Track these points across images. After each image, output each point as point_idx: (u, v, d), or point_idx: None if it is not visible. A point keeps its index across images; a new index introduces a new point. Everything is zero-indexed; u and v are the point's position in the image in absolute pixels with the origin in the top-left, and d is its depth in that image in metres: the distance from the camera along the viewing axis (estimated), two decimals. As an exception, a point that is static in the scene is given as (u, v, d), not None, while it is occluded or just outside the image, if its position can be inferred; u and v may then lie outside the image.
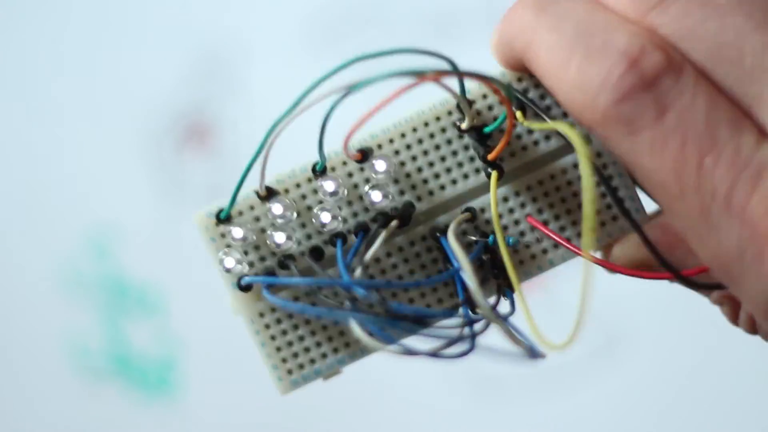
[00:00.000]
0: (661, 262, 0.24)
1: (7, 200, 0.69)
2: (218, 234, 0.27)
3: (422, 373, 0.66)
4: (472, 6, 0.68)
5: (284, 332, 0.28)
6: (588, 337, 0.67)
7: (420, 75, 0.23)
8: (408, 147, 0.28)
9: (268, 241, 0.27)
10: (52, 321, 0.68)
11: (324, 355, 0.28)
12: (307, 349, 0.28)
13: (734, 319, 0.28)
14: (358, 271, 0.25)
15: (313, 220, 0.27)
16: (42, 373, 0.68)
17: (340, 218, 0.27)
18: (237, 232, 0.27)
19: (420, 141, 0.28)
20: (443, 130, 0.28)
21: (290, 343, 0.28)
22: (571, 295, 0.66)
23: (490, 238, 0.27)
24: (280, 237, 0.27)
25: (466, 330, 0.25)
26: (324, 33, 0.69)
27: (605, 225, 0.28)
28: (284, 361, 0.28)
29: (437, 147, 0.28)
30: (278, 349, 0.28)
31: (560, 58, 0.23)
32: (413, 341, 0.25)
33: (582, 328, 0.23)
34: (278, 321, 0.28)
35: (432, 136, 0.28)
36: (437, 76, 0.23)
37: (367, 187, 0.27)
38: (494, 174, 0.27)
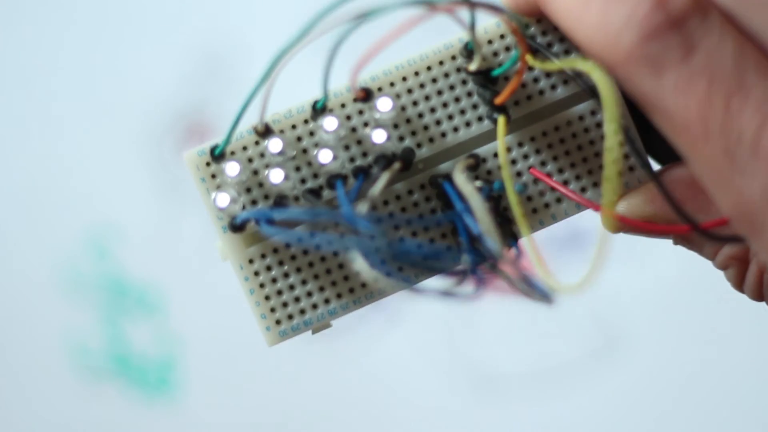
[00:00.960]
0: (679, 213, 0.23)
1: (7, 200, 0.69)
2: (209, 174, 0.26)
3: (422, 373, 0.66)
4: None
5: (274, 280, 0.27)
6: (588, 337, 0.67)
7: (432, 5, 0.22)
8: (409, 91, 0.27)
9: (262, 182, 0.26)
10: (52, 321, 0.68)
11: (314, 306, 0.27)
12: (297, 299, 0.27)
13: (739, 283, 0.27)
14: (363, 207, 0.24)
15: (312, 161, 0.26)
16: (42, 373, 0.68)
17: (340, 159, 0.26)
18: (232, 168, 0.26)
19: (422, 85, 0.27)
20: (446, 75, 0.27)
21: (280, 292, 0.27)
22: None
23: (496, 184, 0.26)
24: (277, 175, 0.26)
25: (473, 272, 0.24)
26: (324, 33, 0.69)
27: (621, 175, 0.27)
28: (273, 310, 0.27)
29: (440, 92, 0.27)
30: (267, 297, 0.27)
31: None
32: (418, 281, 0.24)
33: (595, 275, 0.22)
34: (268, 268, 0.27)
35: (435, 80, 0.27)
36: (450, 6, 0.22)
37: (368, 129, 0.26)
38: (502, 118, 0.26)
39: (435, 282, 0.24)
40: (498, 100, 0.26)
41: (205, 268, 0.67)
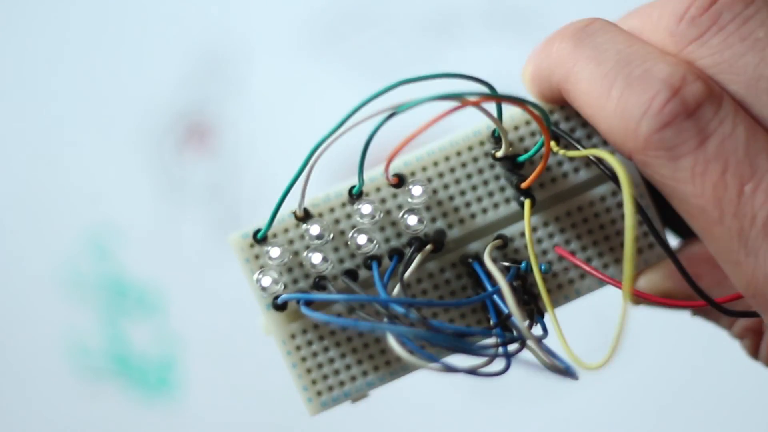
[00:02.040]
0: (695, 290, 0.25)
1: (8, 200, 0.69)
2: (253, 255, 0.28)
3: (422, 373, 0.66)
4: (473, 6, 0.68)
5: (315, 354, 0.29)
6: (588, 337, 0.67)
7: (462, 98, 0.23)
8: (440, 175, 0.28)
9: (303, 263, 0.28)
10: (52, 321, 0.68)
11: (353, 378, 0.29)
12: (336, 372, 0.29)
13: (755, 352, 0.29)
14: (397, 289, 0.26)
15: (349, 243, 0.28)
16: (42, 373, 0.68)
17: (375, 242, 0.28)
18: (274, 251, 0.27)
19: (452, 170, 0.28)
20: (475, 160, 0.28)
21: (320, 365, 0.29)
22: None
23: (523, 264, 0.28)
24: (316, 258, 0.27)
25: (501, 349, 0.26)
26: (324, 33, 0.69)
27: (641, 253, 0.29)
28: (314, 382, 0.29)
29: (469, 176, 0.28)
30: (309, 370, 0.29)
31: (601, 87, 0.24)
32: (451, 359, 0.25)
33: (617, 353, 0.24)
34: (309, 343, 0.29)
35: (464, 165, 0.28)
36: (479, 100, 0.23)
37: (402, 212, 0.28)
38: (528, 201, 0.27)
39: (466, 360, 0.25)
40: (524, 185, 0.27)
41: (205, 268, 0.67)
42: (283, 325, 0.28)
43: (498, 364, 0.26)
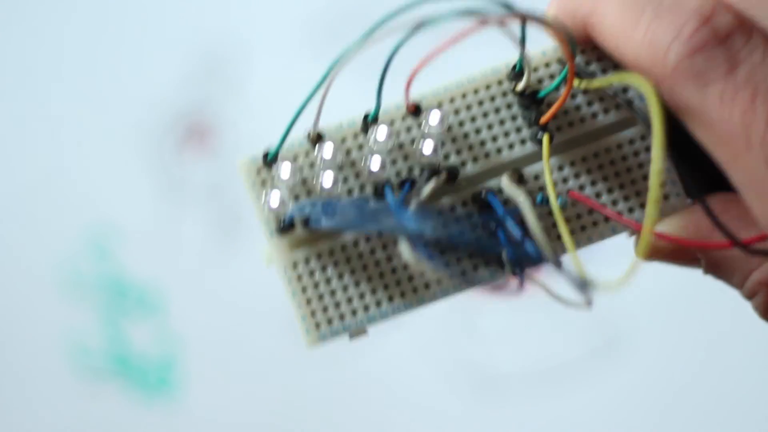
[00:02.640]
0: (720, 229, 0.24)
1: (7, 200, 0.69)
2: (260, 180, 0.27)
3: (423, 374, 0.66)
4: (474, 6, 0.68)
5: (316, 285, 0.28)
6: (588, 337, 0.67)
7: (484, 16, 0.23)
8: (456, 112, 0.28)
9: (311, 190, 0.27)
10: (52, 321, 0.68)
11: (354, 312, 0.28)
12: (338, 304, 0.28)
13: (767, 310, 0.28)
14: (414, 205, 0.25)
15: (359, 172, 0.27)
16: (42, 373, 0.68)
17: (388, 168, 0.27)
18: (285, 170, 0.27)
19: (468, 107, 0.28)
20: (492, 99, 0.28)
21: (321, 297, 0.28)
22: (569, 295, 0.66)
23: (539, 196, 0.27)
24: (328, 179, 0.27)
25: (517, 269, 0.25)
26: (324, 33, 0.69)
27: (667, 198, 0.28)
28: (314, 313, 0.28)
29: (485, 114, 0.28)
30: (309, 301, 0.28)
31: (629, 18, 0.24)
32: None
33: (634, 274, 0.23)
34: (311, 273, 0.28)
35: (481, 103, 0.28)
36: (502, 18, 0.23)
37: (415, 144, 0.27)
38: (547, 135, 0.27)
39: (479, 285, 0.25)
40: (544, 119, 0.27)
41: (205, 268, 0.67)
42: (286, 253, 0.28)
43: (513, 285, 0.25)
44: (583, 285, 0.24)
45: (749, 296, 0.28)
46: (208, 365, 0.67)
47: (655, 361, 0.65)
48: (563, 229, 0.27)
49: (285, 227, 0.27)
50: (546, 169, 0.27)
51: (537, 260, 0.25)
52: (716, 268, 0.28)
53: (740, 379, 0.64)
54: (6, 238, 0.69)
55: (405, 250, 0.23)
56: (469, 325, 0.66)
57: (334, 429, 0.67)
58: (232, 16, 0.69)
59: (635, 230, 0.28)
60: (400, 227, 0.24)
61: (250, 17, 0.69)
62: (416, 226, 0.24)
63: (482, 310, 0.67)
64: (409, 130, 0.28)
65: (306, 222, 0.27)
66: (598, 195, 0.28)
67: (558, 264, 0.25)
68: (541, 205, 0.27)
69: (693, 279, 0.66)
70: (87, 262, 0.68)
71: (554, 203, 0.27)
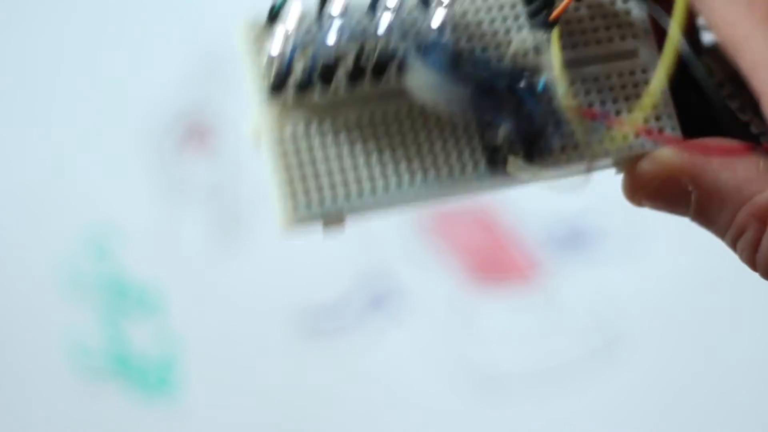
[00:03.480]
0: (735, 124, 0.23)
1: (7, 200, 0.69)
2: (260, 46, 0.26)
3: (422, 374, 0.66)
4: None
5: (300, 164, 0.25)
6: (588, 337, 0.67)
7: None
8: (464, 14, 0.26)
9: (314, 49, 0.25)
10: (52, 321, 0.68)
11: (334, 198, 0.25)
12: (320, 188, 0.25)
13: (754, 249, 0.26)
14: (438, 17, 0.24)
15: (372, 23, 0.25)
16: (42, 373, 0.68)
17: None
18: (292, 17, 0.25)
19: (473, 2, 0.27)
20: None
21: (304, 177, 0.25)
22: (569, 295, 0.66)
23: (541, 83, 0.26)
24: (332, 36, 0.25)
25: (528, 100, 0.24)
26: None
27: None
28: (294, 194, 0.25)
29: (489, 9, 0.27)
30: (291, 180, 0.25)
31: None
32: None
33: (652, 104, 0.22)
34: (297, 151, 0.25)
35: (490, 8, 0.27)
36: None
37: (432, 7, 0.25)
38: (557, 29, 0.26)
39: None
40: (553, 16, 0.26)
41: (205, 268, 0.67)
42: (274, 125, 0.25)
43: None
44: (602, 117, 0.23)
45: (736, 238, 0.27)
46: (208, 365, 0.67)
47: (655, 361, 0.65)
48: (566, 95, 0.25)
49: (284, 75, 0.25)
50: (556, 60, 0.26)
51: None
52: (707, 202, 0.27)
53: (740, 379, 0.64)
54: (6, 238, 0.69)
55: (417, 69, 0.22)
56: (469, 325, 0.66)
57: (334, 429, 0.67)
58: (233, 16, 0.69)
59: (655, 139, 0.26)
60: (412, 39, 0.22)
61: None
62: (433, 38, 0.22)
63: (482, 310, 0.67)
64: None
65: (309, 71, 0.25)
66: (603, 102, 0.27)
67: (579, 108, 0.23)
68: (543, 91, 0.26)
69: (693, 279, 0.66)
70: (87, 262, 0.68)
71: (563, 88, 0.25)
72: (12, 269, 0.68)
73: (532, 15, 0.27)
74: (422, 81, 0.22)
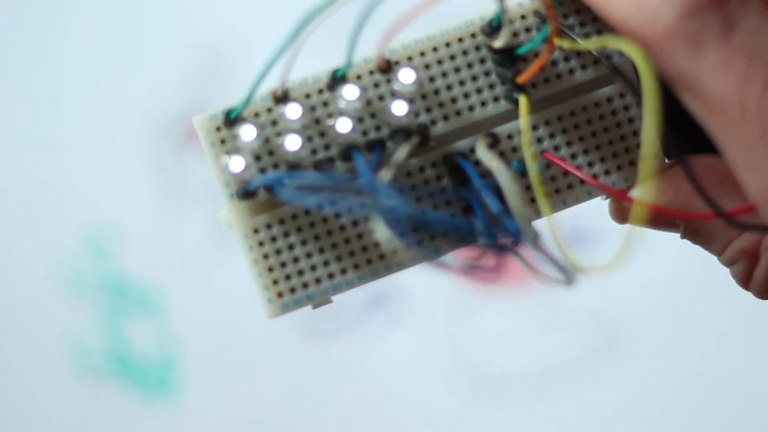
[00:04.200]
0: (705, 198, 0.22)
1: (7, 200, 0.69)
2: (219, 139, 0.26)
3: (422, 374, 0.66)
4: (475, 7, 0.68)
5: (278, 252, 0.26)
6: (588, 337, 0.67)
7: None
8: (427, 66, 0.26)
9: (273, 150, 0.25)
10: (52, 321, 0.68)
11: (318, 280, 0.26)
12: (300, 272, 0.26)
13: (746, 279, 0.27)
14: (387, 174, 0.24)
15: (325, 131, 0.25)
16: (42, 373, 0.68)
17: (357, 129, 0.25)
18: (248, 132, 0.25)
19: (440, 61, 0.26)
20: (465, 53, 0.26)
21: (284, 264, 0.26)
22: (569, 295, 0.66)
23: (514, 164, 0.26)
24: (293, 142, 0.25)
25: (493, 245, 0.23)
26: (324, 33, 0.69)
27: (634, 165, 0.26)
28: (275, 282, 0.26)
29: (457, 69, 0.26)
30: (270, 269, 0.26)
31: None
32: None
33: (627, 256, 0.22)
34: (273, 239, 0.26)
35: (453, 57, 0.26)
36: None
37: (385, 102, 0.26)
38: (524, 96, 0.25)
39: (453, 258, 0.23)
40: (521, 79, 0.26)
41: (205, 268, 0.67)
42: (247, 218, 0.26)
43: (487, 264, 0.23)
44: (567, 273, 0.23)
45: (728, 264, 0.27)
46: (208, 365, 0.67)
47: (655, 361, 0.65)
48: (541, 197, 0.25)
49: (249, 193, 0.25)
50: (525, 133, 0.25)
51: (515, 236, 0.23)
52: (695, 234, 0.27)
53: (740, 379, 0.64)
54: (6, 238, 0.69)
55: (379, 229, 0.22)
56: (469, 325, 0.66)
57: (334, 429, 0.67)
58: (233, 15, 0.69)
59: (610, 194, 0.27)
60: (374, 204, 0.22)
61: (251, 17, 0.69)
62: (392, 203, 0.22)
63: (482, 310, 0.67)
64: (377, 86, 0.26)
65: (269, 189, 0.25)
66: (573, 156, 0.27)
67: (536, 241, 0.23)
68: (518, 171, 0.26)
69: (693, 279, 0.66)
70: (87, 262, 0.68)
71: (533, 170, 0.25)
72: (12, 269, 0.68)
73: (506, 80, 0.26)
74: (388, 243, 0.22)
